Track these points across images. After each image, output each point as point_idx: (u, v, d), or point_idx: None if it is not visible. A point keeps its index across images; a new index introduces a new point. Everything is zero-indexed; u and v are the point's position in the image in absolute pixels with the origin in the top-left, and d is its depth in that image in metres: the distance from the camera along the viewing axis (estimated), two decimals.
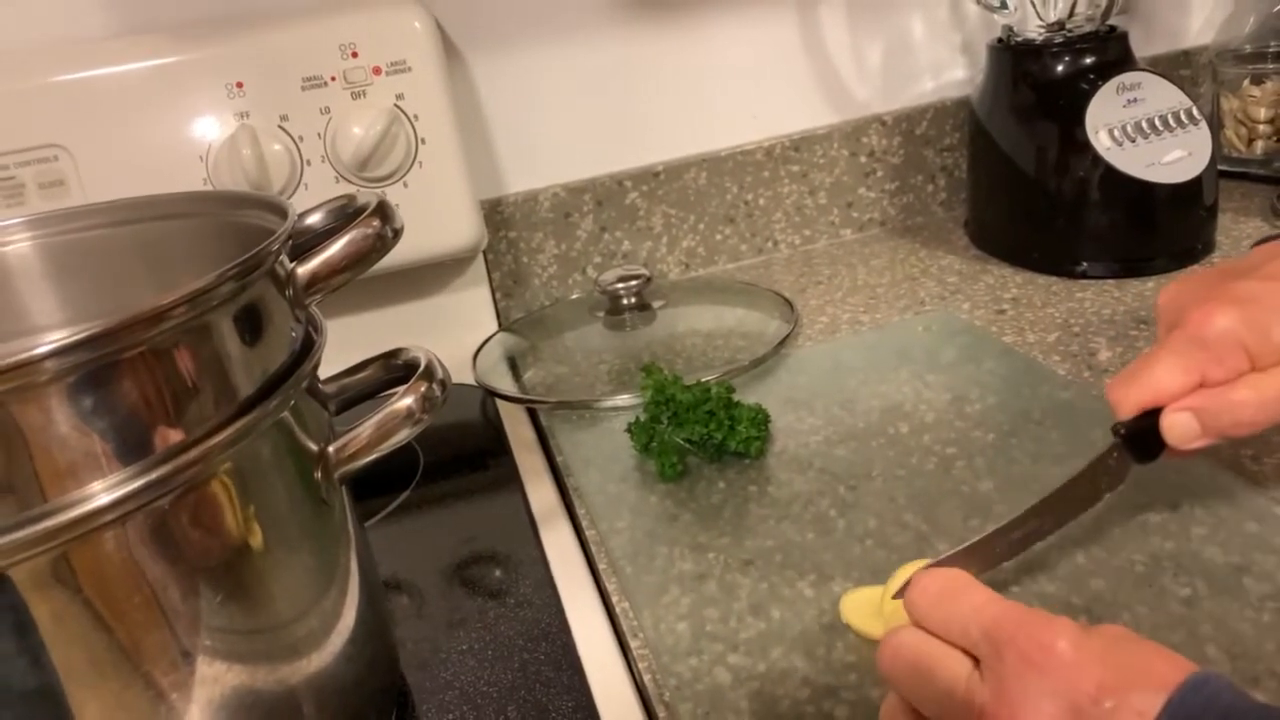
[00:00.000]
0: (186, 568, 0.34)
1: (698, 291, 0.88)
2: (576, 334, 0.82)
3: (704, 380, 0.63)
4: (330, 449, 0.40)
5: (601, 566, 0.54)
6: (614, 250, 0.91)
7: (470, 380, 0.76)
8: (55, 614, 0.32)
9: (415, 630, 0.51)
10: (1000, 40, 0.84)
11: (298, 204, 0.43)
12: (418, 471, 0.67)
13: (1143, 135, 0.76)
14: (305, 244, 0.43)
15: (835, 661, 0.44)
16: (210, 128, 0.72)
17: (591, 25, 0.86)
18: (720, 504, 0.56)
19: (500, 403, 0.74)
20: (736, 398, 0.61)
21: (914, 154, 0.96)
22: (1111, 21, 0.81)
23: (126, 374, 0.32)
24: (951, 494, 0.54)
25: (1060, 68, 0.79)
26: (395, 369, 0.47)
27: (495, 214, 0.87)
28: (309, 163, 0.74)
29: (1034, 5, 0.80)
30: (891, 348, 0.71)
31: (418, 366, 0.42)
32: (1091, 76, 0.78)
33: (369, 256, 0.41)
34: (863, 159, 0.94)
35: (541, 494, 0.62)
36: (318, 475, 0.40)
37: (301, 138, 0.74)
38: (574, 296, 0.91)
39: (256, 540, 0.36)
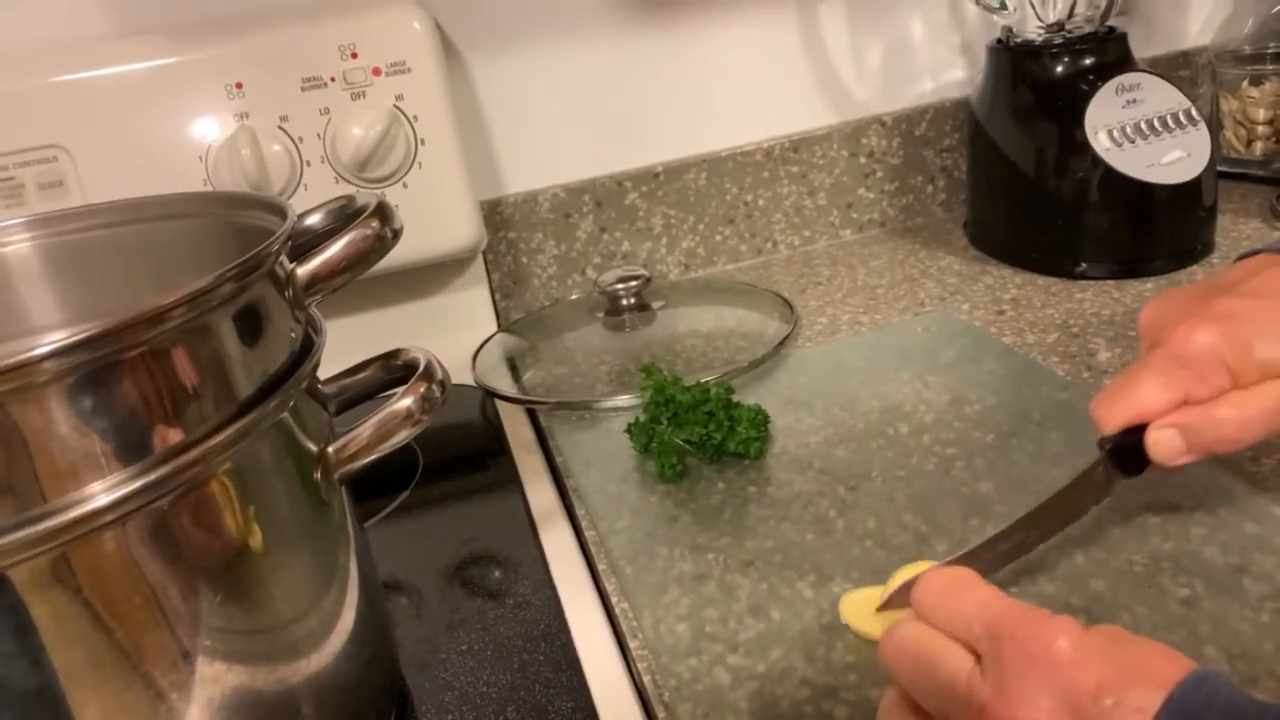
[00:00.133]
0: (186, 568, 0.34)
1: (697, 292, 0.88)
2: (576, 334, 0.82)
3: (703, 381, 0.64)
4: (330, 449, 0.40)
5: (601, 567, 0.54)
6: (614, 251, 0.91)
7: (470, 381, 0.76)
8: (55, 614, 0.32)
9: (415, 631, 0.51)
10: (999, 41, 0.84)
11: (297, 205, 0.43)
12: (417, 472, 0.67)
13: (1142, 136, 0.76)
14: (305, 245, 0.43)
15: (835, 662, 0.44)
16: (210, 128, 0.72)
17: (591, 26, 0.86)
18: (720, 504, 0.56)
19: (500, 403, 0.74)
20: (736, 398, 0.61)
21: (913, 155, 0.96)
22: (1111, 22, 0.81)
23: (126, 375, 0.32)
24: (951, 494, 0.54)
25: (1059, 68, 0.79)
26: (395, 369, 0.47)
27: (495, 214, 0.87)
28: (309, 163, 0.74)
29: (1033, 6, 0.80)
30: (891, 348, 0.71)
31: (417, 367, 0.42)
32: (1091, 77, 0.78)
33: (368, 257, 0.41)
34: (862, 160, 0.94)
35: (541, 495, 0.62)
36: (317, 476, 0.40)
37: (301, 138, 0.74)
38: (574, 297, 0.91)
39: (256, 541, 0.36)
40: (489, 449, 0.69)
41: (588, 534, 0.57)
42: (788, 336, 0.75)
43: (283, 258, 0.39)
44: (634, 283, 0.80)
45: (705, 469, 0.60)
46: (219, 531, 0.35)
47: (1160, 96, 0.77)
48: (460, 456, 0.69)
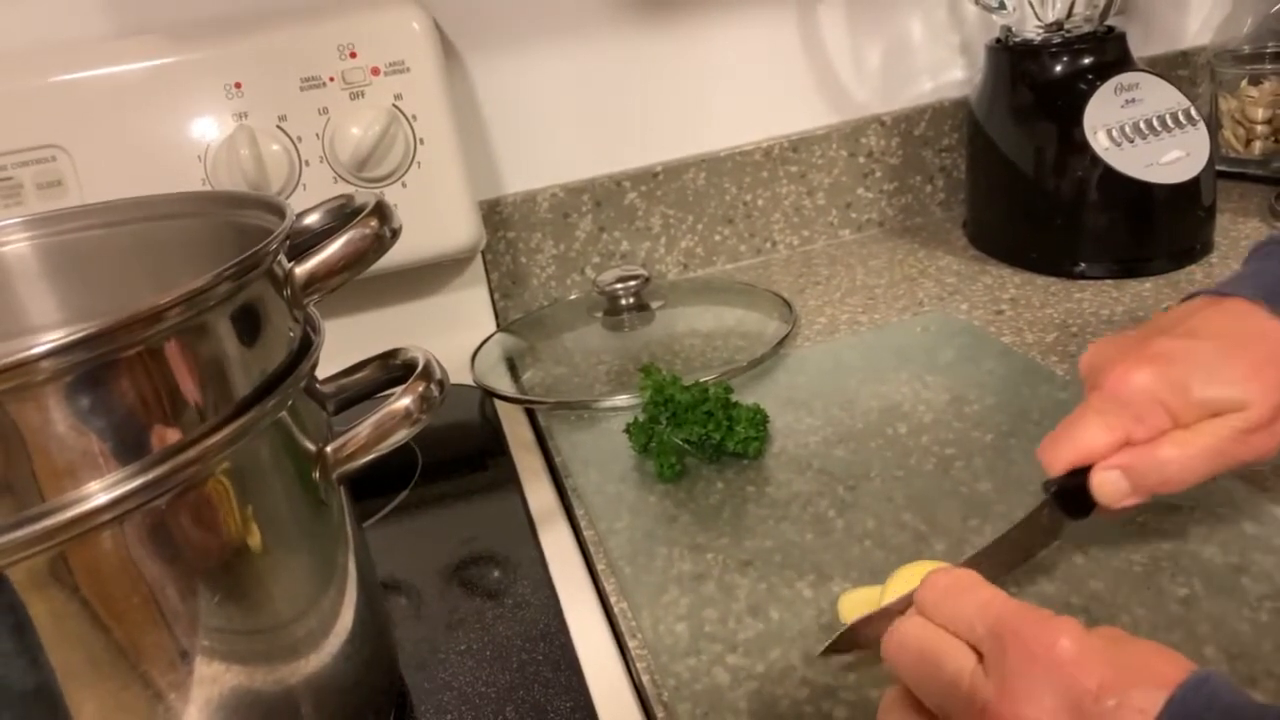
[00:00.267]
0: (184, 568, 0.34)
1: (696, 292, 0.88)
2: (575, 334, 0.82)
3: (702, 381, 0.63)
4: (328, 449, 0.40)
5: (600, 567, 0.54)
6: (613, 250, 0.91)
7: (469, 380, 0.76)
8: (53, 614, 0.32)
9: (413, 631, 0.51)
10: (998, 41, 0.84)
11: (296, 204, 0.43)
12: (416, 472, 0.67)
13: (1141, 136, 0.76)
14: (303, 244, 0.43)
15: (834, 662, 0.44)
16: (209, 128, 0.72)
17: (590, 26, 0.86)
18: (719, 504, 0.56)
19: (499, 403, 0.74)
20: (735, 398, 0.61)
21: (912, 154, 0.96)
22: (1110, 22, 0.81)
23: (124, 374, 0.32)
24: (950, 494, 0.54)
25: (1058, 68, 0.79)
26: (393, 369, 0.47)
27: (494, 214, 0.87)
28: (307, 163, 0.74)
29: (1032, 6, 0.80)
30: (890, 348, 0.71)
31: (416, 366, 0.42)
32: (1090, 77, 0.78)
33: (367, 257, 0.41)
34: (861, 159, 0.94)
35: (540, 494, 0.62)
36: (316, 475, 0.40)
37: (300, 138, 0.74)
38: (572, 297, 0.91)
39: (254, 540, 0.36)
40: (488, 449, 0.69)
41: (587, 534, 0.57)
42: (786, 336, 0.75)
43: (281, 257, 0.39)
44: (633, 282, 0.80)
45: (704, 469, 0.60)
46: (217, 531, 0.35)
47: (1159, 96, 0.77)
48: (459, 456, 0.69)
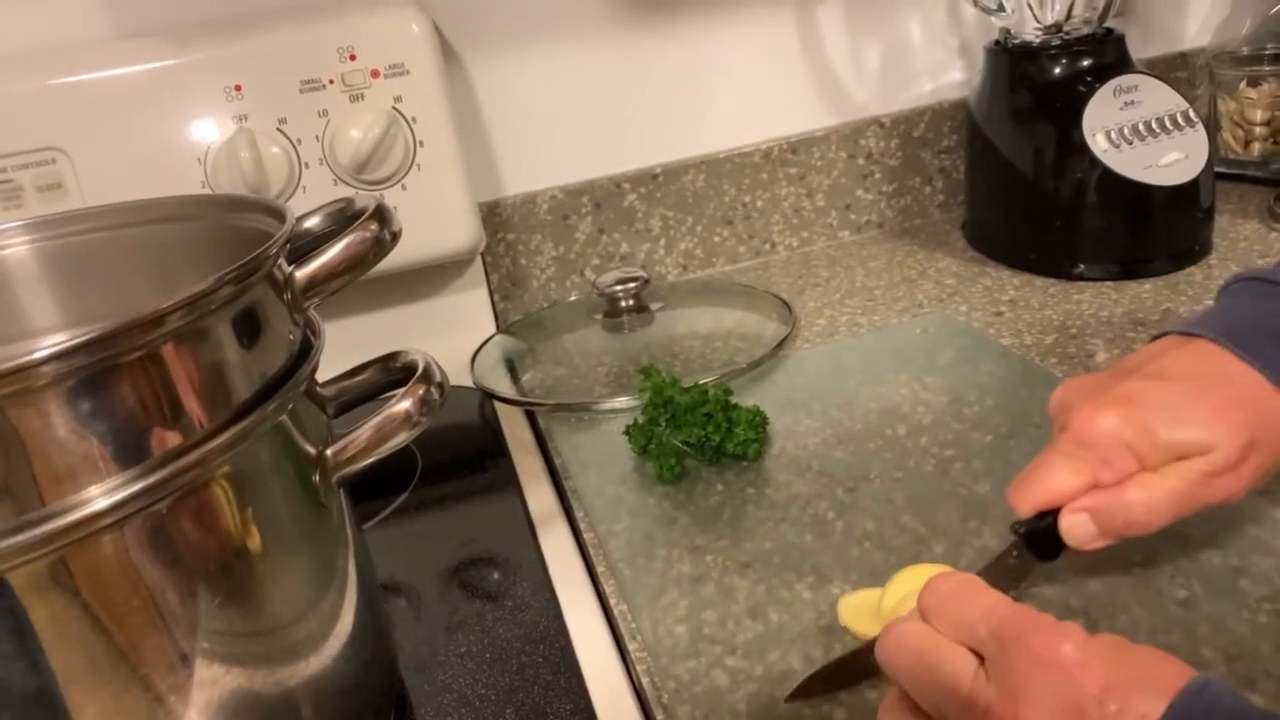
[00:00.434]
0: (185, 571, 0.34)
1: (696, 293, 0.88)
2: (575, 336, 0.83)
3: (702, 382, 0.64)
4: (328, 452, 0.40)
5: (600, 569, 0.54)
6: (612, 252, 0.91)
7: (468, 382, 0.76)
8: (54, 617, 0.32)
9: (413, 633, 0.51)
10: (997, 42, 0.84)
11: (296, 206, 0.43)
12: (416, 474, 0.67)
13: (1140, 137, 0.76)
14: (303, 247, 0.43)
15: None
16: (209, 130, 0.72)
17: (589, 28, 0.86)
18: (718, 506, 0.56)
19: (498, 405, 0.74)
20: (734, 400, 0.61)
21: (912, 156, 0.96)
22: (1108, 24, 0.81)
23: (124, 378, 0.32)
24: (950, 496, 0.54)
25: (1057, 70, 0.79)
26: (393, 372, 0.47)
27: (493, 216, 0.87)
28: (307, 165, 0.74)
29: (1031, 8, 0.80)
30: (889, 350, 0.71)
31: (416, 369, 0.43)
32: (1089, 79, 0.78)
33: (367, 260, 0.41)
34: (860, 161, 0.95)
35: (540, 496, 0.62)
36: (316, 478, 0.40)
37: (300, 140, 0.74)
38: (572, 298, 0.91)
39: (255, 543, 0.36)
40: (488, 451, 0.69)
41: (586, 536, 0.57)
42: (786, 338, 0.75)
43: (281, 261, 0.39)
44: (632, 284, 0.81)
45: (704, 470, 0.60)
46: (217, 534, 0.35)
47: (1158, 98, 0.77)
48: (459, 458, 0.69)
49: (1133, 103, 0.77)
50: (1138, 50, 0.84)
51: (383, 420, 0.40)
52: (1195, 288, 0.74)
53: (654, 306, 0.83)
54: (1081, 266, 0.78)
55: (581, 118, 0.88)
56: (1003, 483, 0.54)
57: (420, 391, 0.41)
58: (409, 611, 0.53)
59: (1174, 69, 1.01)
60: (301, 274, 0.40)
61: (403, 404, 0.40)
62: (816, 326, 0.78)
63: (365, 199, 0.44)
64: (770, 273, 0.91)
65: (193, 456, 0.33)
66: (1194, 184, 0.76)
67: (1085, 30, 0.80)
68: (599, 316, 0.83)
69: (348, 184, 0.75)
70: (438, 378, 0.42)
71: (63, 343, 0.29)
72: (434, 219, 0.77)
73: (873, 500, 0.55)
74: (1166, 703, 0.29)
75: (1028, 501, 0.43)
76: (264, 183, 0.72)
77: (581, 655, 0.48)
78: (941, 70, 0.95)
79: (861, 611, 0.46)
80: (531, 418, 0.72)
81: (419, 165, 0.76)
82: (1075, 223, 0.78)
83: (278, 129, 0.73)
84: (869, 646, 0.39)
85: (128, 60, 0.71)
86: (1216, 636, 0.42)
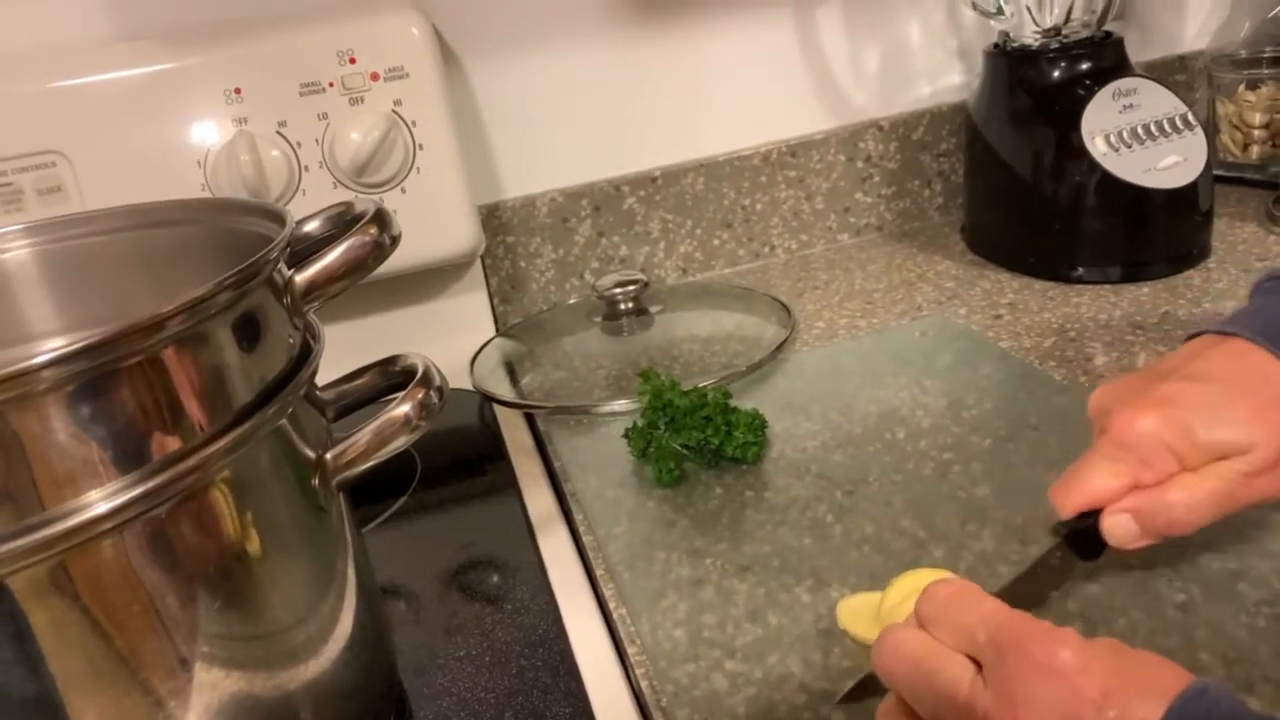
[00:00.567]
0: (184, 575, 0.34)
1: (695, 296, 0.88)
2: (574, 339, 0.83)
3: (701, 385, 0.64)
4: (328, 456, 0.40)
5: (599, 572, 0.54)
6: (611, 255, 0.91)
7: (468, 385, 0.76)
8: (53, 622, 0.32)
9: (413, 636, 0.51)
10: (996, 46, 0.84)
11: (295, 210, 0.43)
12: (415, 477, 0.67)
13: (1138, 141, 0.76)
14: (303, 251, 0.43)
15: (832, 667, 0.44)
16: (208, 134, 0.72)
17: (589, 31, 0.86)
18: (717, 509, 0.56)
19: (498, 408, 0.74)
20: (733, 403, 0.61)
21: (911, 159, 0.96)
22: (1107, 27, 0.81)
23: (124, 382, 0.32)
24: (949, 499, 0.54)
25: (1056, 73, 0.79)
26: (393, 375, 0.47)
27: (493, 219, 0.87)
28: (307, 169, 0.74)
29: (1030, 11, 0.80)
30: (888, 353, 0.72)
31: (415, 373, 0.43)
32: (1087, 82, 0.78)
33: (366, 264, 0.41)
34: (859, 164, 0.95)
35: (539, 499, 0.62)
36: (315, 482, 0.40)
37: (299, 144, 0.74)
38: (571, 301, 0.91)
39: (254, 547, 0.37)
40: (487, 454, 0.69)
41: (585, 539, 0.57)
42: (785, 341, 0.75)
43: (281, 265, 0.39)
44: (632, 287, 0.81)
45: (703, 474, 0.60)
46: (217, 538, 0.35)
47: (1157, 101, 0.78)
48: (458, 461, 0.69)
49: (1131, 106, 0.77)
50: (1136, 53, 0.84)
51: (382, 424, 0.40)
52: (1194, 291, 0.74)
53: (653, 309, 0.83)
54: (1080, 269, 0.79)
55: (581, 121, 0.88)
56: (1002, 486, 0.54)
57: (419, 395, 0.41)
58: (408, 615, 0.53)
59: (1173, 72, 1.01)
60: (301, 278, 0.40)
61: (402, 408, 0.40)
62: (815, 329, 0.78)
63: (365, 202, 0.44)
64: (769, 276, 0.91)
65: (192, 461, 0.33)
66: (1193, 187, 0.76)
67: (1084, 33, 0.80)
68: (598, 319, 0.83)
69: (347, 187, 0.75)
70: (437, 381, 0.42)
71: (63, 347, 0.30)
72: (434, 222, 0.77)
73: (872, 503, 0.55)
74: (1165, 707, 0.29)
75: (1070, 503, 0.44)
76: (264, 186, 0.72)
77: (581, 658, 0.48)
78: (940, 73, 0.95)
79: (861, 615, 0.46)
80: (531, 421, 0.72)
81: (419, 168, 0.76)
82: (1074, 226, 0.78)
83: (277, 132, 0.73)
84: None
85: (128, 63, 0.71)
86: (1214, 640, 0.42)
